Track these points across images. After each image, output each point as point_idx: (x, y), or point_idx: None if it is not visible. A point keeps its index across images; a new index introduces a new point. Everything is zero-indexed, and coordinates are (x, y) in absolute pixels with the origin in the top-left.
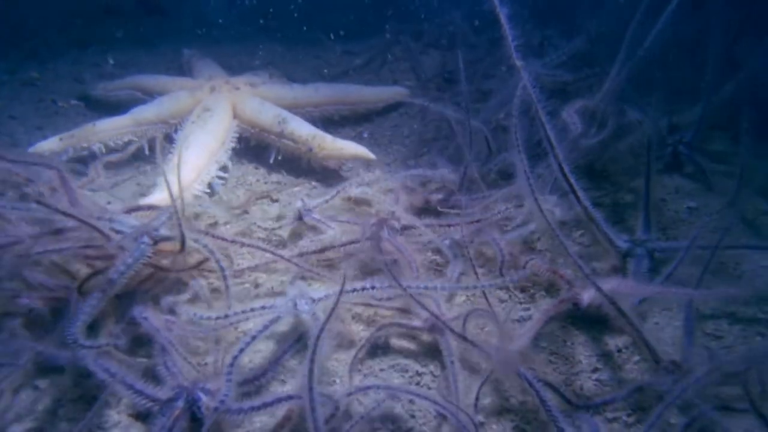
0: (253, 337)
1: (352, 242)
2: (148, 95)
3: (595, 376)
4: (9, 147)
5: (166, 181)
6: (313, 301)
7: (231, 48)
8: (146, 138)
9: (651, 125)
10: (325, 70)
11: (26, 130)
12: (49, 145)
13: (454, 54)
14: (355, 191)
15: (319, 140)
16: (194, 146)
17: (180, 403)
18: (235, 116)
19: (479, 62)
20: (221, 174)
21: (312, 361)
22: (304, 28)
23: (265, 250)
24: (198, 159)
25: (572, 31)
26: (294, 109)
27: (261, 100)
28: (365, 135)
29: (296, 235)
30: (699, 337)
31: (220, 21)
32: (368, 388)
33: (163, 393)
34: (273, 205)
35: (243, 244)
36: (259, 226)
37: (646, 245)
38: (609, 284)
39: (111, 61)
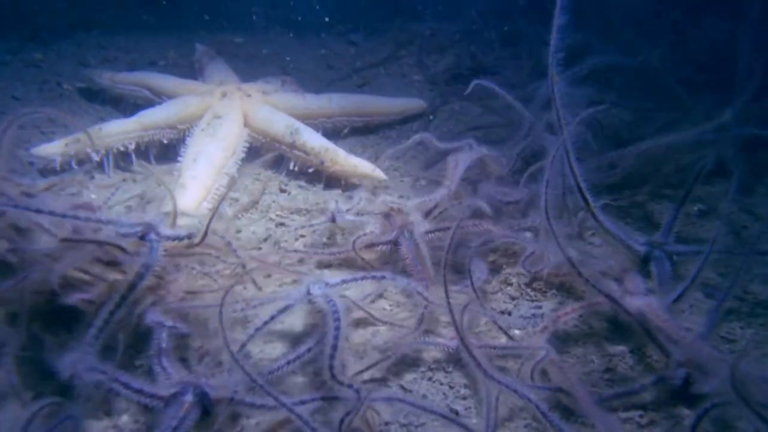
0: (265, 323)
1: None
2: (156, 95)
3: (606, 376)
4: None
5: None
6: (328, 285)
7: (238, 36)
8: (153, 143)
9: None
10: (332, 63)
11: (30, 111)
12: (52, 148)
13: (465, 50)
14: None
15: (332, 154)
16: (203, 159)
17: (188, 397)
18: (246, 124)
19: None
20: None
21: (334, 347)
22: (313, 19)
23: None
24: (207, 174)
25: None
26: (306, 119)
27: (273, 109)
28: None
29: (332, 237)
30: (712, 339)
31: (228, 8)
32: (389, 399)
33: (164, 390)
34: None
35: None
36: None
37: (664, 248)
38: (637, 303)
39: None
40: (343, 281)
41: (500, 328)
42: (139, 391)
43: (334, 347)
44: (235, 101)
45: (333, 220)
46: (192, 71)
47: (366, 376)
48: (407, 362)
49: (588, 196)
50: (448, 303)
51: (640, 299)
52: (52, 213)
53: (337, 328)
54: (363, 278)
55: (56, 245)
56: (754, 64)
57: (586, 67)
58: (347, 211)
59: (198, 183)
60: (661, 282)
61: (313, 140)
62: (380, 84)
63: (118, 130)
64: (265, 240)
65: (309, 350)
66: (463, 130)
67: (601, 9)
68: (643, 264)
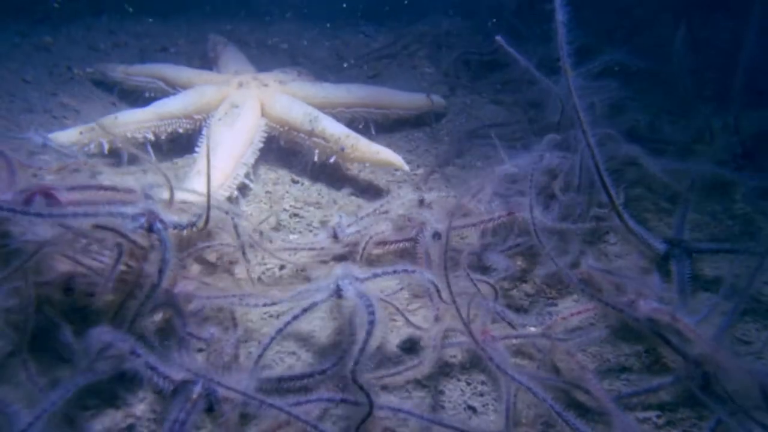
0: (287, 323)
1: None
2: (171, 87)
3: (623, 375)
4: (24, 112)
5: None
6: (358, 280)
7: (247, 24)
8: (167, 133)
9: None
10: (344, 53)
11: (41, 96)
12: (67, 136)
13: (477, 44)
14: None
15: (353, 140)
16: (222, 149)
17: (198, 387)
18: (263, 114)
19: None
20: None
21: (361, 351)
22: (325, 8)
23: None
24: (225, 164)
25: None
26: (323, 109)
27: (291, 98)
28: None
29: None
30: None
31: None
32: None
33: (176, 374)
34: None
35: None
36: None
37: (684, 246)
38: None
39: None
40: (375, 275)
41: (508, 323)
42: (154, 368)
43: (362, 351)
44: (252, 90)
45: (335, 236)
46: (203, 59)
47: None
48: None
49: (613, 192)
50: (450, 291)
51: (651, 305)
52: (51, 215)
53: (369, 333)
54: (395, 272)
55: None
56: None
57: (600, 63)
58: (349, 225)
59: (215, 171)
60: (681, 280)
61: (333, 127)
62: (391, 75)
63: (134, 120)
64: (278, 230)
65: (334, 365)
66: (476, 126)
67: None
68: (663, 263)
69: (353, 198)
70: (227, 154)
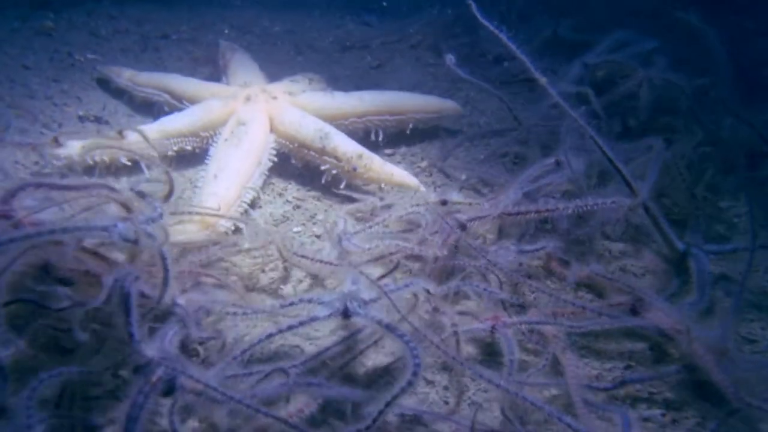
0: (269, 335)
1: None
2: (176, 100)
3: (627, 373)
4: (25, 98)
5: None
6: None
7: (250, 12)
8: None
9: None
10: (347, 43)
11: (41, 81)
12: (71, 149)
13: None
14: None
15: (366, 160)
16: (225, 174)
17: (160, 371)
18: (272, 129)
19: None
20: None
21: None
22: None
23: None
24: (228, 192)
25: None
26: (337, 120)
27: (301, 112)
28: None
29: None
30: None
31: None
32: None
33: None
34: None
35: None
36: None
37: (701, 247)
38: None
39: None
40: (386, 291)
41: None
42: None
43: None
44: (260, 104)
45: (339, 242)
46: (205, 48)
47: None
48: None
49: (636, 186)
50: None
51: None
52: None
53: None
54: (407, 287)
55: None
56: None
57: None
58: (355, 233)
59: (216, 200)
60: (700, 278)
61: (346, 145)
62: (395, 66)
63: (138, 138)
64: (283, 222)
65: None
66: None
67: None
68: (680, 262)
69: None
70: (231, 180)
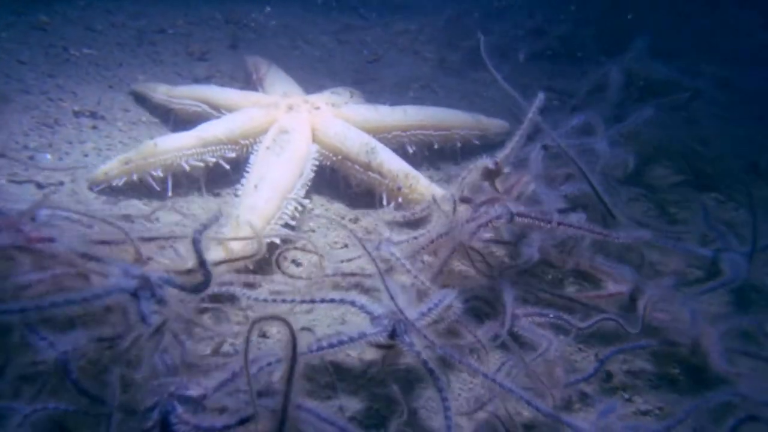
0: (320, 348)
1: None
2: (214, 110)
3: (625, 367)
4: (21, 93)
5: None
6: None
7: (246, 6)
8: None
9: None
10: (344, 37)
11: (36, 77)
12: (111, 170)
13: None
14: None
15: (412, 180)
16: (266, 184)
17: (156, 414)
18: (314, 140)
19: None
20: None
21: None
22: None
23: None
24: (268, 204)
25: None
26: (380, 133)
27: (346, 124)
28: None
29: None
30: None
31: None
32: None
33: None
34: None
35: None
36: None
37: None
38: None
39: None
40: (429, 309)
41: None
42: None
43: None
44: (303, 114)
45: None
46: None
47: None
48: None
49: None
50: None
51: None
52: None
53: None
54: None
55: None
56: None
57: None
58: (398, 243)
59: (257, 214)
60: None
61: (392, 162)
62: (391, 60)
63: (175, 146)
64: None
65: None
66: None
67: None
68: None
69: None
70: (272, 191)
